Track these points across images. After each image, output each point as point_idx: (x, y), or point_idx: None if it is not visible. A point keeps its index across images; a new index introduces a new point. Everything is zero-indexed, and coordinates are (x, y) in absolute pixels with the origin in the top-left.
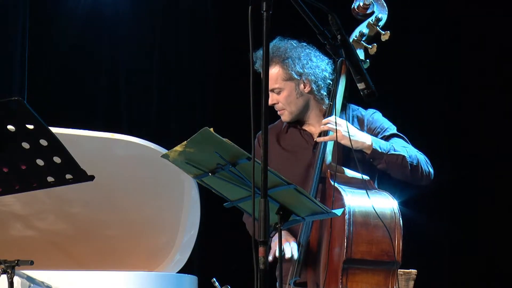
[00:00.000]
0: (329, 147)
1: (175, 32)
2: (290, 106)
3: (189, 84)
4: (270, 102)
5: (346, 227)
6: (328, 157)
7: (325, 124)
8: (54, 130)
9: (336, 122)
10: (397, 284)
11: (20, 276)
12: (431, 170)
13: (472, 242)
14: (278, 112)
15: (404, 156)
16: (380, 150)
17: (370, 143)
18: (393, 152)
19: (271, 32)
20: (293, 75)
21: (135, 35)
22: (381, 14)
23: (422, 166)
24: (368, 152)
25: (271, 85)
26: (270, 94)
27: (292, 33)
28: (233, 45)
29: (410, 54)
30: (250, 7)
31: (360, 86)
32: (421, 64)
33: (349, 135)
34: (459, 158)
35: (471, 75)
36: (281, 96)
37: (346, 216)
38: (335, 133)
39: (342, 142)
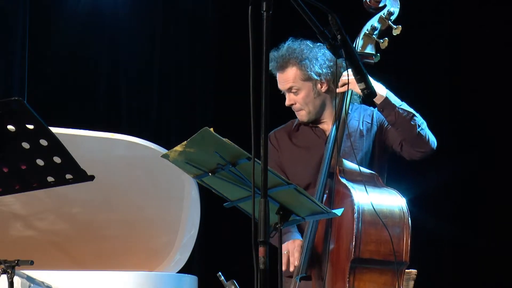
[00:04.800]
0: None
1: (175, 32)
2: (308, 106)
3: (189, 84)
4: (287, 102)
5: (355, 225)
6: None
7: (345, 77)
8: (54, 130)
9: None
10: (402, 284)
11: (20, 276)
12: (435, 141)
13: (473, 242)
14: (296, 113)
15: (414, 114)
16: (392, 102)
17: (384, 94)
18: (404, 108)
19: (271, 32)
20: (312, 75)
21: (135, 35)
22: (393, 8)
23: (428, 133)
24: (379, 101)
25: (289, 84)
26: (287, 94)
27: (291, 33)
28: (233, 45)
29: (411, 52)
30: (250, 7)
31: (360, 86)
32: (423, 62)
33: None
34: (460, 158)
35: (474, 72)
36: (299, 97)
37: (355, 215)
38: (351, 82)
39: (356, 90)
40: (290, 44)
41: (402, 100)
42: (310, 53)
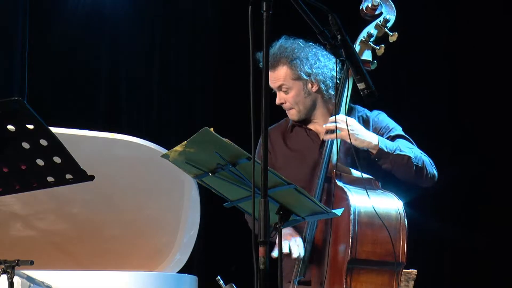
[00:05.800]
0: (336, 146)
1: (175, 32)
2: (298, 105)
3: (189, 84)
4: (277, 101)
5: (351, 227)
6: (334, 158)
7: (331, 122)
8: (54, 130)
9: (343, 121)
10: (400, 285)
11: (20, 276)
12: (435, 172)
13: (473, 242)
14: (286, 112)
15: (409, 157)
16: (386, 150)
17: (376, 143)
18: (399, 153)
19: (271, 32)
20: (302, 75)
21: (135, 35)
22: (389, 15)
23: (427, 168)
24: (374, 152)
25: (279, 83)
26: (278, 93)
27: (292, 33)
28: (233, 45)
29: (411, 53)
30: (250, 7)
31: (360, 86)
32: (423, 64)
33: (349, 134)
34: (460, 159)
35: (473, 72)
36: (289, 96)
37: (351, 216)
38: (341, 132)
39: (348, 141)
40: (282, 43)
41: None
42: (301, 52)
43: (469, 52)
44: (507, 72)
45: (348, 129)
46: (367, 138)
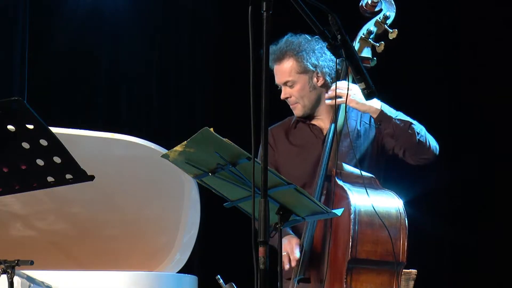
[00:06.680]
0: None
1: (175, 32)
2: (303, 100)
3: (189, 83)
4: (283, 96)
5: (351, 226)
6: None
7: (333, 91)
8: (54, 130)
9: (345, 88)
10: (400, 284)
11: (20, 276)
12: (437, 145)
13: (473, 242)
14: (291, 106)
15: (411, 123)
16: (388, 114)
17: (378, 107)
18: (401, 118)
19: (271, 32)
20: (308, 67)
21: (135, 35)
22: (389, 12)
23: (429, 139)
24: (375, 115)
25: (285, 78)
26: (283, 88)
27: (291, 32)
28: (233, 45)
29: (411, 53)
30: (250, 7)
31: (361, 86)
32: (422, 64)
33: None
34: (460, 158)
35: (473, 73)
36: (294, 90)
37: (352, 216)
38: (343, 98)
39: (351, 105)
40: (289, 38)
41: (397, 110)
42: (308, 45)
43: (470, 49)
44: (509, 70)
45: (351, 94)
46: (369, 102)
